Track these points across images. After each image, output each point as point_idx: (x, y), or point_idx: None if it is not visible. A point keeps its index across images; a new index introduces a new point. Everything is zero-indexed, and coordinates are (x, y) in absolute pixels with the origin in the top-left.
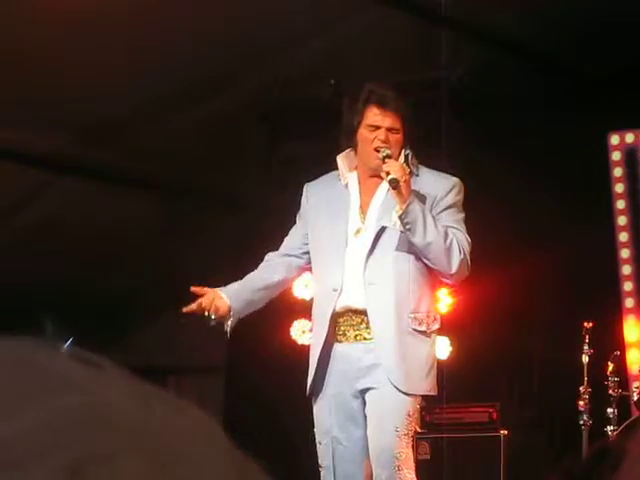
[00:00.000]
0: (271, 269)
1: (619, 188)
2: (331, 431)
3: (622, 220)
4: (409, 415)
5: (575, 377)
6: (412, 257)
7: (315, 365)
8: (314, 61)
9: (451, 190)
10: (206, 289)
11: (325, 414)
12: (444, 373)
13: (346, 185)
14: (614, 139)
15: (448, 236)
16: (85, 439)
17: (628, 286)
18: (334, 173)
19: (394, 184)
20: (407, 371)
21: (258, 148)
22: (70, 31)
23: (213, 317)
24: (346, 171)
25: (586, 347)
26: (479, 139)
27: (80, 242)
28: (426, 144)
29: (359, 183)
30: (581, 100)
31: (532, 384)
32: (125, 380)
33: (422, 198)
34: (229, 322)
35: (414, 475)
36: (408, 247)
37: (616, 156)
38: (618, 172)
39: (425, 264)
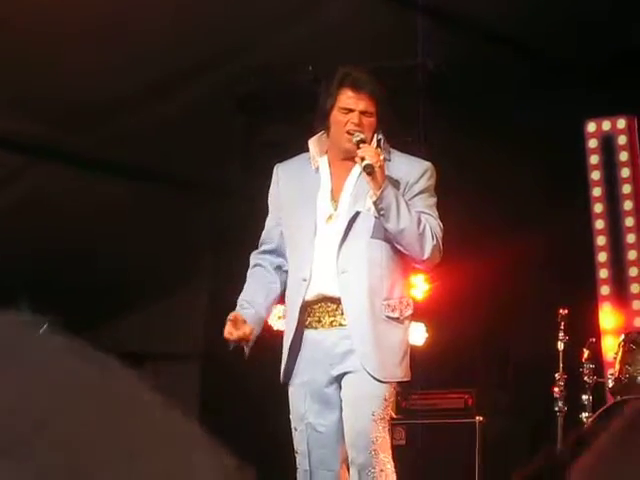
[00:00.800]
0: (269, 280)
1: (595, 175)
2: (306, 417)
3: (598, 207)
4: (385, 400)
5: (551, 364)
6: (384, 243)
7: (287, 352)
8: (293, 47)
9: (423, 175)
10: (235, 318)
11: (300, 400)
12: (420, 359)
13: (317, 169)
14: (590, 126)
15: (421, 222)
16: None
17: (604, 273)
18: (305, 155)
19: (369, 170)
20: (381, 359)
21: (237, 134)
22: (45, 16)
23: (246, 347)
24: (317, 155)
25: (561, 334)
26: (458, 125)
27: (58, 229)
28: (403, 130)
29: (330, 167)
30: (560, 85)
31: (508, 371)
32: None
33: (394, 183)
34: (250, 345)
35: (391, 459)
36: (380, 233)
37: (592, 143)
38: (594, 159)
39: (397, 250)
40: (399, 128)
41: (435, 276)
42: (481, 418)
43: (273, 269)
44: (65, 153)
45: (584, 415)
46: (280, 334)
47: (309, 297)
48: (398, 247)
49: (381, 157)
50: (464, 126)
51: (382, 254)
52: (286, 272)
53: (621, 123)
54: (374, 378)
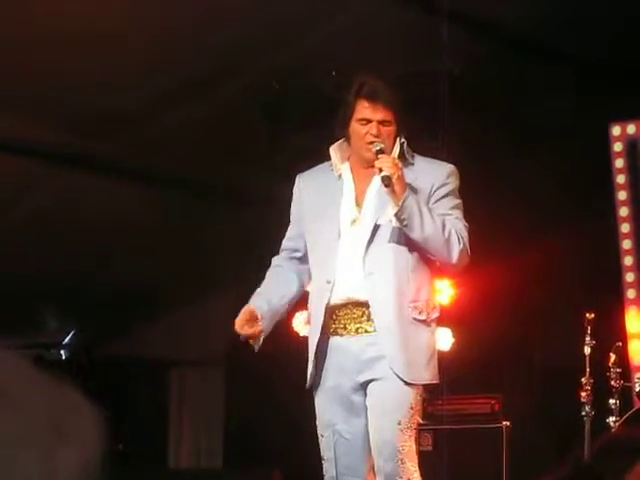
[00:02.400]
0: (287, 281)
1: (621, 179)
2: (333, 423)
3: (624, 211)
4: (411, 408)
5: (577, 368)
6: (410, 247)
7: (313, 358)
8: (316, 52)
9: (448, 177)
10: (250, 313)
11: (326, 407)
12: (446, 364)
13: (339, 176)
14: (615, 130)
15: (446, 227)
16: None
17: (630, 277)
18: (327, 164)
19: (386, 182)
20: (409, 361)
21: (261, 139)
22: (71, 23)
23: (255, 344)
24: (339, 162)
25: (588, 338)
26: (482, 129)
27: (82, 236)
28: (427, 135)
29: (352, 173)
30: (584, 89)
31: (534, 375)
32: None
33: (417, 189)
34: (259, 342)
35: (417, 468)
36: (406, 236)
37: (618, 147)
38: (619, 163)
39: (423, 253)
40: (423, 133)
41: (461, 281)
42: (508, 423)
43: (292, 271)
44: (86, 160)
45: (611, 419)
46: (306, 340)
47: (334, 301)
48: (425, 252)
49: (400, 166)
50: (489, 130)
51: (408, 257)
52: (305, 276)
53: None
54: (402, 380)
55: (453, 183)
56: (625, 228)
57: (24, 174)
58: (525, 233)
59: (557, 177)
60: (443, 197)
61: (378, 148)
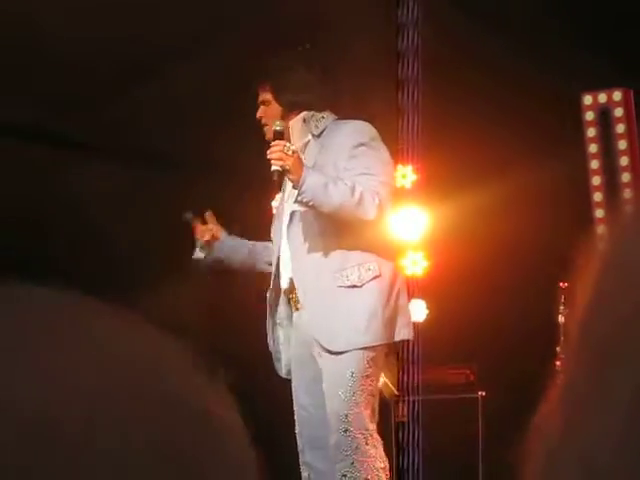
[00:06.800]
0: (259, 251)
1: (593, 148)
2: (297, 396)
3: (596, 180)
4: (352, 375)
5: (552, 337)
6: (325, 216)
7: (277, 328)
8: (285, 22)
9: (354, 136)
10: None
11: (294, 377)
12: (421, 335)
13: None
14: (587, 99)
15: (356, 190)
16: None
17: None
18: None
19: (275, 176)
20: (335, 330)
21: (224, 112)
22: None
23: (199, 247)
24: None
25: (562, 307)
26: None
27: (39, 210)
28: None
29: None
30: (551, 55)
31: (509, 345)
32: None
33: (327, 156)
34: (205, 252)
35: (369, 435)
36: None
37: (589, 116)
38: (591, 132)
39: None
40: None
41: (434, 252)
42: (483, 393)
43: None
44: (51, 135)
45: None
46: None
47: (283, 285)
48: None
49: (289, 151)
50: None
51: (329, 227)
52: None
53: (617, 95)
54: (331, 352)
55: (361, 138)
56: (597, 197)
57: None
58: (499, 202)
59: (531, 144)
60: (353, 157)
61: (277, 129)
